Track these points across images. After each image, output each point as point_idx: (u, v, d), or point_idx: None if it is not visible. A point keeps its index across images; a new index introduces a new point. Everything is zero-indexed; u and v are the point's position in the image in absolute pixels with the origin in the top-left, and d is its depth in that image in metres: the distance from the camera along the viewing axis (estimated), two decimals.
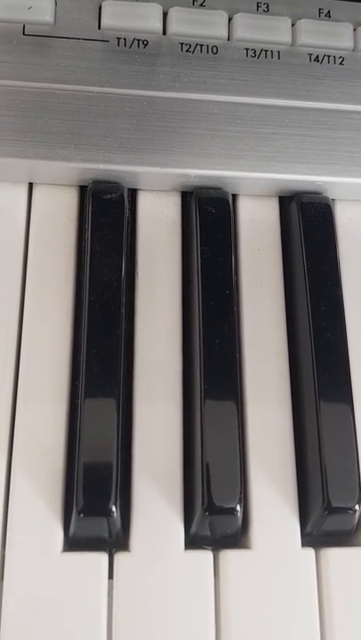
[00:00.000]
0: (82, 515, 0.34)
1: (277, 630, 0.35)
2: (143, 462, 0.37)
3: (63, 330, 0.39)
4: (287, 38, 0.44)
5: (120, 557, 0.35)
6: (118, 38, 0.43)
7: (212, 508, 0.35)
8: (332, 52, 0.44)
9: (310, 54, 0.44)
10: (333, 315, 0.40)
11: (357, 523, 0.37)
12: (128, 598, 0.34)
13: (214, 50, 0.44)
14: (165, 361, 0.39)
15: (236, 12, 0.44)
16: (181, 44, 0.43)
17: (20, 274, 0.40)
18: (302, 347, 0.40)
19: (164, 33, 0.44)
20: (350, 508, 0.35)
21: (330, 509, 0.35)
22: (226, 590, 0.35)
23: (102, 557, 0.35)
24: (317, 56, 0.44)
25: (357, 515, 0.36)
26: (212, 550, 0.36)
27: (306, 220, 0.42)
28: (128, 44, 0.43)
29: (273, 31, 0.44)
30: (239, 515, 0.35)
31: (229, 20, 0.44)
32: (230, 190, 0.43)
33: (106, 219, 0.40)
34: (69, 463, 0.36)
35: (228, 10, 0.44)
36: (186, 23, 0.43)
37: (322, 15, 0.45)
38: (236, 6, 0.45)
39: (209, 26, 0.43)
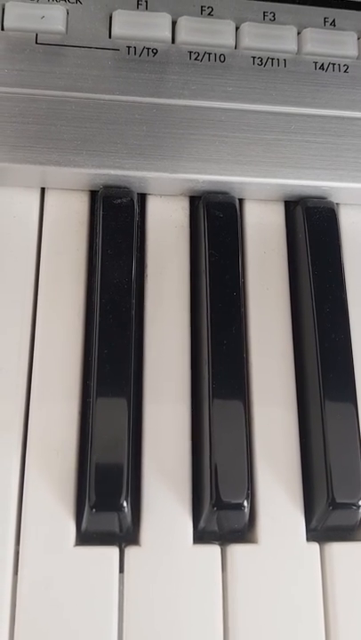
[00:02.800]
0: (94, 510, 0.34)
1: (283, 623, 0.36)
2: (153, 459, 0.38)
3: (75, 331, 0.40)
4: (293, 47, 0.45)
5: (130, 551, 0.36)
6: (128, 47, 0.44)
7: (220, 504, 0.35)
8: (336, 60, 0.45)
9: (315, 62, 0.45)
10: (338, 316, 0.40)
11: None
12: (138, 591, 0.35)
13: (222, 58, 0.44)
14: (174, 361, 0.40)
15: (244, 21, 0.45)
16: (190, 52, 0.44)
17: (32, 276, 0.41)
18: (307, 347, 0.40)
19: (173, 42, 0.44)
20: (354, 504, 0.36)
21: (334, 505, 0.36)
22: (233, 584, 0.36)
23: (113, 551, 0.36)
24: (322, 64, 0.45)
25: None
26: (220, 545, 0.37)
27: (311, 223, 0.43)
28: (138, 53, 0.44)
29: (279, 40, 0.45)
30: (246, 510, 0.36)
31: (237, 28, 0.45)
32: (237, 195, 0.44)
33: (116, 223, 0.41)
34: (81, 460, 0.37)
35: (236, 19, 0.45)
36: (194, 32, 0.44)
37: (327, 24, 0.46)
38: (243, 15, 0.45)
39: (217, 35, 0.44)
